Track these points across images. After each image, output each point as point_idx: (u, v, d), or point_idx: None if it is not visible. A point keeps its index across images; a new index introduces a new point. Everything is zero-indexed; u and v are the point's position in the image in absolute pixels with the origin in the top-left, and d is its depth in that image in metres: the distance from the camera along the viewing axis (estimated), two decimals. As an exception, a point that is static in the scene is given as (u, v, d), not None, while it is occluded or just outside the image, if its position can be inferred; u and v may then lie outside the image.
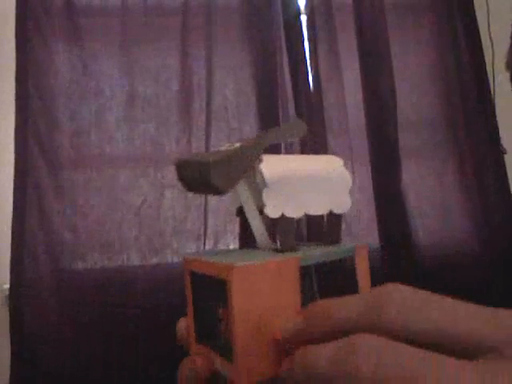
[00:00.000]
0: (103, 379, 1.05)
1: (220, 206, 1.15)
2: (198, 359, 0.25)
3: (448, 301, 0.19)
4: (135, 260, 1.11)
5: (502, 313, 0.18)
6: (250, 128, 1.22)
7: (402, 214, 1.24)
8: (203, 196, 1.14)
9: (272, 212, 0.26)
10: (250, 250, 0.28)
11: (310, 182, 0.27)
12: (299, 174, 0.27)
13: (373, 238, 1.23)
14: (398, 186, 1.26)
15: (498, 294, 1.22)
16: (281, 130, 0.28)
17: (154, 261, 1.12)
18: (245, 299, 0.22)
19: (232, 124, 1.22)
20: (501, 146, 1.30)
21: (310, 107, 1.25)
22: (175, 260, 1.13)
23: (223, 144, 0.26)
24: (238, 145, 0.25)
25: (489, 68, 1.25)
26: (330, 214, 0.29)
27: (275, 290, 0.23)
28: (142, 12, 1.22)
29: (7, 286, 1.10)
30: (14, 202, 1.06)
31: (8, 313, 1.05)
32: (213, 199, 1.15)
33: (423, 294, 0.19)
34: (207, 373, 0.24)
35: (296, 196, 0.27)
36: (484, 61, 1.26)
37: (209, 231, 1.15)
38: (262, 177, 0.26)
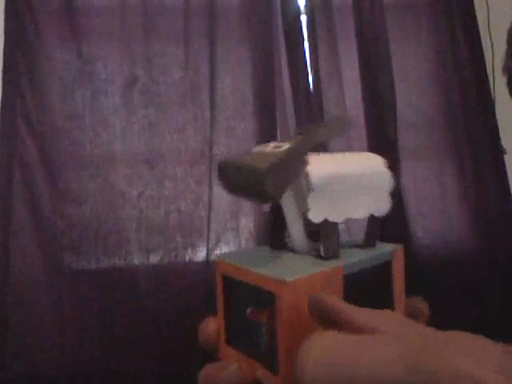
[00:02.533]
0: (99, 381, 0.95)
1: (222, 202, 1.09)
2: (243, 365, 0.24)
3: (359, 344, 0.19)
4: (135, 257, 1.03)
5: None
6: (248, 123, 1.19)
7: (401, 214, 1.23)
8: (206, 191, 1.08)
9: (315, 217, 0.25)
10: (285, 253, 0.27)
11: (353, 184, 0.26)
12: (343, 177, 0.26)
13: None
14: (397, 185, 1.25)
15: (496, 294, 1.21)
16: (325, 127, 0.27)
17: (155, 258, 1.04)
18: (294, 312, 0.22)
19: (232, 117, 1.18)
20: (501, 146, 1.31)
21: (310, 107, 1.24)
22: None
23: (263, 143, 0.25)
24: (285, 146, 0.24)
25: (489, 68, 1.27)
26: (371, 216, 0.28)
27: None
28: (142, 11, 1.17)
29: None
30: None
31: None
32: (216, 194, 1.08)
33: (337, 342, 0.19)
34: (251, 380, 0.24)
35: (339, 200, 0.26)
36: (484, 61, 1.28)
37: (211, 227, 1.08)
38: (309, 180, 0.25)
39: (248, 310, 0.25)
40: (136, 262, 1.02)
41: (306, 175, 0.24)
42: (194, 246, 1.05)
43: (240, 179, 0.23)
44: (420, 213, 1.25)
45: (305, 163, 0.24)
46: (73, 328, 0.96)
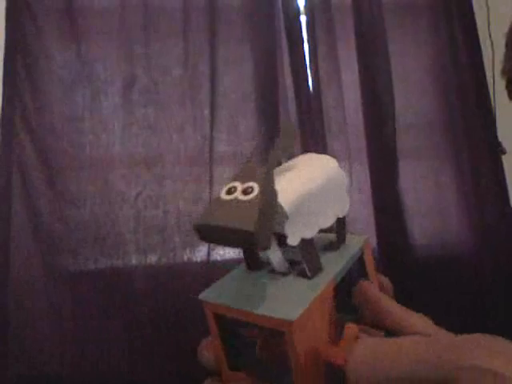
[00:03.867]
0: (98, 382, 0.95)
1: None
2: None
3: (396, 347, 0.21)
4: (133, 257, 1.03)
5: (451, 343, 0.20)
6: (249, 121, 1.18)
7: (400, 215, 1.24)
8: (205, 190, 1.08)
9: (293, 240, 0.25)
10: (267, 275, 0.27)
11: (319, 196, 0.27)
12: (310, 193, 0.26)
13: (370, 239, 1.20)
14: (395, 186, 1.25)
15: (494, 294, 1.21)
16: (278, 147, 0.26)
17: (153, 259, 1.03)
18: (303, 340, 0.23)
19: (232, 116, 1.17)
20: (500, 145, 1.31)
21: (309, 108, 1.24)
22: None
23: (227, 186, 0.24)
24: (256, 190, 0.23)
25: (489, 68, 1.27)
26: (337, 219, 0.29)
27: (322, 316, 0.24)
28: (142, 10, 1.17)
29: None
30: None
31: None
32: (216, 194, 1.08)
33: (378, 346, 0.21)
34: None
35: (311, 216, 0.26)
36: (482, 62, 1.29)
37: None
38: (283, 211, 0.24)
39: (237, 331, 0.26)
40: (134, 262, 1.02)
41: (280, 206, 0.24)
42: (192, 246, 1.05)
43: (226, 239, 0.23)
44: (418, 213, 1.25)
45: (276, 196, 0.24)
46: (71, 329, 0.96)
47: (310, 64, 1.27)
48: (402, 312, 0.25)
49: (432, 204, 1.27)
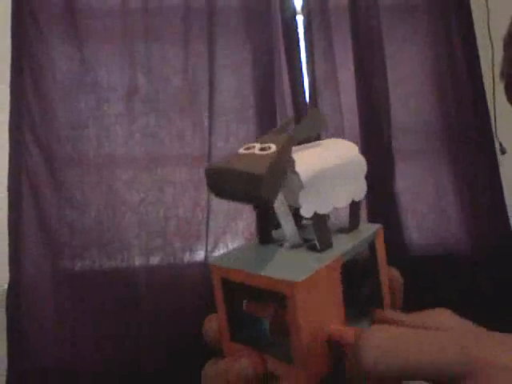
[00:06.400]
0: (102, 379, 1.02)
1: (220, 206, 1.13)
2: (256, 358, 0.24)
3: (418, 336, 0.21)
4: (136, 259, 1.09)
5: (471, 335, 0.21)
6: (248, 127, 1.21)
7: (396, 216, 1.25)
8: (204, 195, 1.12)
9: (307, 212, 0.25)
10: (278, 248, 0.27)
11: (337, 175, 0.27)
12: (328, 170, 0.27)
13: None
14: (391, 188, 1.26)
15: (491, 293, 1.22)
16: (305, 125, 0.27)
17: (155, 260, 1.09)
18: (305, 309, 0.23)
19: (231, 122, 1.20)
20: (501, 145, 1.31)
21: (306, 111, 1.25)
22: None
23: (247, 144, 0.25)
24: (273, 148, 0.24)
25: (489, 68, 1.26)
26: (352, 202, 0.29)
27: (326, 290, 0.24)
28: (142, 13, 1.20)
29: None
30: (9, 199, 1.03)
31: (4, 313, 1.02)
32: (215, 199, 1.12)
33: (396, 335, 0.21)
34: (262, 371, 0.24)
35: (326, 192, 0.27)
36: (479, 63, 1.28)
37: (210, 231, 1.12)
38: (299, 179, 0.25)
39: (244, 304, 0.26)
40: (137, 264, 1.08)
41: (296, 174, 0.25)
42: (191, 250, 1.10)
43: (233, 185, 0.22)
44: (415, 214, 1.27)
45: (292, 162, 0.25)
46: (78, 326, 1.03)
47: (307, 66, 1.28)
48: (419, 315, 0.24)
49: (429, 204, 1.28)
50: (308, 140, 0.29)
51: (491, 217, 1.26)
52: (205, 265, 1.09)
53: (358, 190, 0.30)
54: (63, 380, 1.00)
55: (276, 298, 0.23)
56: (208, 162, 1.15)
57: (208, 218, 1.12)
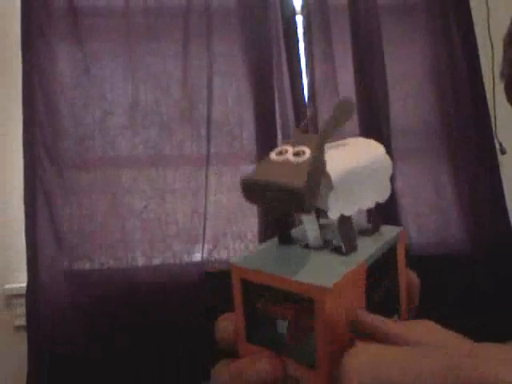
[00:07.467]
0: (111, 374, 1.14)
1: (217, 212, 1.21)
2: (275, 360, 0.24)
3: (400, 355, 0.20)
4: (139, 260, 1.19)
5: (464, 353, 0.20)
6: (248, 133, 1.25)
7: (396, 216, 1.26)
8: (202, 201, 1.20)
9: (333, 214, 0.25)
10: (299, 249, 0.27)
11: (364, 176, 0.27)
12: (356, 171, 0.26)
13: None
14: (392, 187, 1.27)
15: (490, 292, 1.24)
16: (335, 118, 0.26)
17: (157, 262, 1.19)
18: (333, 314, 0.22)
19: (231, 127, 1.25)
20: (501, 145, 1.30)
21: (306, 112, 1.27)
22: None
23: (278, 148, 0.24)
24: (307, 154, 0.23)
25: (489, 68, 1.24)
26: (376, 204, 0.29)
27: (352, 295, 0.24)
28: (144, 15, 1.24)
29: (9, 286, 1.24)
30: (25, 209, 1.13)
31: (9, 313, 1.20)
32: (211, 204, 1.20)
33: (383, 354, 0.20)
34: (280, 374, 0.23)
35: (353, 194, 0.26)
36: (479, 63, 1.25)
37: (208, 234, 1.21)
38: (329, 181, 0.24)
39: (261, 305, 0.25)
40: (140, 265, 1.18)
41: (326, 175, 0.24)
42: (189, 253, 1.19)
43: (273, 198, 0.22)
44: (414, 214, 1.28)
45: (325, 165, 0.24)
46: (88, 321, 1.15)
47: (307, 66, 1.29)
48: (404, 327, 0.23)
49: (429, 204, 1.29)
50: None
51: (491, 216, 1.26)
52: (202, 264, 1.19)
53: (382, 192, 0.29)
54: (77, 367, 1.13)
55: (298, 301, 0.23)
56: (205, 169, 1.21)
57: (205, 223, 1.20)
